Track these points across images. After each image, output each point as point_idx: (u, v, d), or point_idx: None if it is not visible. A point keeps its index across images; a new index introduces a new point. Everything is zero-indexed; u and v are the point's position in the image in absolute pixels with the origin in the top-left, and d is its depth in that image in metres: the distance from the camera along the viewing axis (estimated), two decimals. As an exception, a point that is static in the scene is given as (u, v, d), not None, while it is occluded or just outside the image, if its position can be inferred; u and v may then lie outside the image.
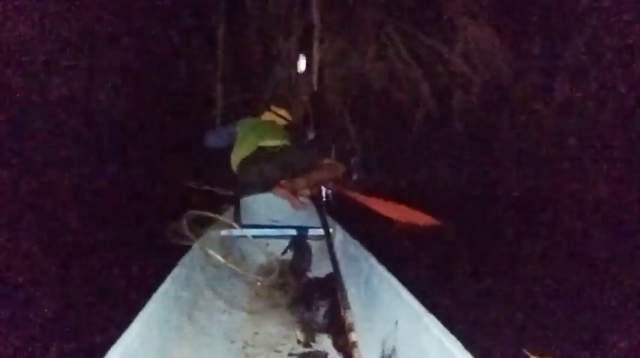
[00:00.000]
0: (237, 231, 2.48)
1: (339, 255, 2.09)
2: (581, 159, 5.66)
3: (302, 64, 5.72)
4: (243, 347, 1.69)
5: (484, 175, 5.81)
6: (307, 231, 2.58)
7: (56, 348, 1.91)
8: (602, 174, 5.39)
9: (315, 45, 5.67)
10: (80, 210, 3.75)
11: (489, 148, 6.03)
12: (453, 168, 6.02)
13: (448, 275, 2.97)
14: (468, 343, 1.07)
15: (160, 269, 1.67)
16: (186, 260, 1.88)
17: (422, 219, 2.57)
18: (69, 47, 4.14)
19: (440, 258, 3.27)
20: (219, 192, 3.28)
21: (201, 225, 2.32)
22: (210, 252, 2.12)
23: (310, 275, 2.42)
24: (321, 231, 2.42)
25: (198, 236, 2.18)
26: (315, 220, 2.61)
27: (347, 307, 1.48)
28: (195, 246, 2.09)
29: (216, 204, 2.99)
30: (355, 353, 1.32)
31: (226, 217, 2.59)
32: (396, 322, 1.41)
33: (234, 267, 2.17)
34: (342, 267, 1.92)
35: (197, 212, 2.27)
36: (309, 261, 2.51)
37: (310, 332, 1.77)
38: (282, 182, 2.91)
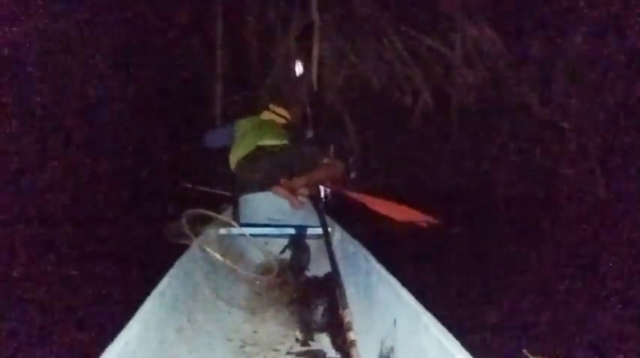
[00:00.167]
0: (236, 230, 2.48)
1: (337, 254, 2.09)
2: (580, 159, 5.66)
3: (301, 64, 5.72)
4: (242, 346, 1.69)
5: (483, 175, 5.81)
6: (306, 230, 2.58)
7: (55, 347, 1.91)
8: (602, 174, 5.39)
9: (316, 43, 5.67)
10: (78, 208, 3.75)
11: (488, 148, 6.04)
12: (451, 168, 6.02)
13: (447, 274, 2.97)
14: (466, 343, 1.07)
15: (159, 267, 1.67)
16: (184, 258, 1.88)
17: (420, 218, 2.57)
18: (65, 46, 4.13)
19: (439, 257, 3.27)
20: (215, 192, 3.28)
21: (200, 223, 2.32)
22: (209, 250, 2.12)
23: (309, 274, 2.42)
24: (319, 230, 2.42)
25: (197, 235, 2.18)
26: (314, 219, 2.61)
27: (345, 306, 1.48)
28: (194, 244, 2.09)
29: (215, 203, 2.99)
30: (353, 352, 1.32)
31: (225, 216, 2.59)
32: (395, 321, 1.41)
33: (232, 266, 2.17)
34: (340, 266, 1.92)
35: (196, 211, 2.27)
36: (308, 260, 2.51)
37: (309, 331, 1.77)
38: (281, 181, 2.91)
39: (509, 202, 5.03)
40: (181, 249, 1.97)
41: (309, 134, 4.28)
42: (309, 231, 2.57)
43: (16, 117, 3.78)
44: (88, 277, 2.64)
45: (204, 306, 1.85)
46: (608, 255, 3.37)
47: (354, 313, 1.55)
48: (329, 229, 2.39)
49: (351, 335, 1.38)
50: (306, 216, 2.83)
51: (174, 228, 2.20)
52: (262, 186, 2.95)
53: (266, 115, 3.38)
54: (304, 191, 2.96)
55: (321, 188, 3.16)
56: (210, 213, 2.37)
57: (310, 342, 1.72)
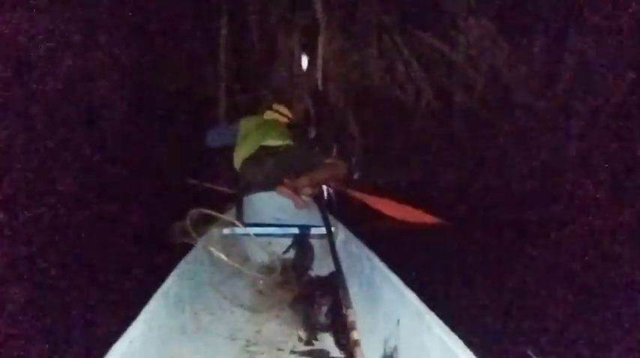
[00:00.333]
0: (239, 230, 2.48)
1: (341, 254, 2.09)
2: (581, 159, 5.64)
3: (304, 62, 5.73)
4: (246, 346, 1.69)
5: (485, 175, 5.80)
6: (310, 230, 2.58)
7: (57, 347, 1.92)
8: (603, 174, 5.37)
9: (321, 42, 5.67)
10: (81, 208, 3.76)
11: (491, 147, 6.02)
12: (454, 168, 6.01)
13: (450, 274, 2.96)
14: (469, 342, 1.07)
15: (163, 267, 1.67)
16: (188, 258, 1.88)
17: (423, 217, 2.57)
18: (67, 44, 4.13)
19: (442, 256, 3.27)
20: (220, 189, 3.29)
21: (204, 223, 2.33)
22: (213, 250, 2.12)
23: (312, 273, 2.42)
24: (323, 230, 2.42)
25: (200, 234, 2.19)
26: (318, 219, 2.61)
27: (349, 306, 1.48)
28: (198, 244, 2.10)
29: (219, 202, 3.00)
30: (357, 351, 1.32)
31: (229, 216, 2.60)
32: (398, 321, 1.41)
33: (236, 266, 2.17)
34: (344, 265, 1.92)
35: (200, 210, 2.27)
36: (312, 260, 2.52)
37: (312, 330, 1.77)
38: (285, 181, 2.92)
39: (512, 202, 5.02)
40: (185, 249, 1.98)
41: (312, 133, 4.28)
42: (313, 230, 2.57)
43: (16, 115, 3.79)
44: (92, 277, 2.65)
45: (208, 306, 1.86)
46: (608, 254, 3.36)
47: (358, 312, 1.55)
48: (332, 229, 2.40)
49: (355, 335, 1.39)
50: (310, 216, 2.83)
51: (178, 227, 2.21)
52: (266, 186, 2.96)
53: (269, 114, 3.38)
54: (308, 191, 2.97)
55: (324, 188, 3.17)
56: (214, 213, 2.37)
57: (314, 342, 1.72)
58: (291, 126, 3.33)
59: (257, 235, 2.52)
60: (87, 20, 4.34)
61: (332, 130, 5.69)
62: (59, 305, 2.25)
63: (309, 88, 5.72)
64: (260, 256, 2.58)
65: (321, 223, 2.50)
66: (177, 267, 1.72)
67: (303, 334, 1.76)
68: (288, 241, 2.64)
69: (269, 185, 2.94)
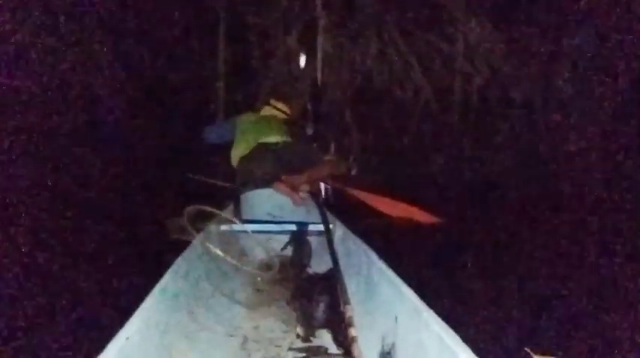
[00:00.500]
0: (237, 227, 2.48)
1: (339, 251, 2.09)
2: (580, 158, 5.66)
3: (302, 59, 5.72)
4: (243, 342, 1.69)
5: (484, 172, 5.81)
6: (307, 227, 2.58)
7: (55, 343, 1.92)
8: (602, 173, 5.39)
9: (320, 39, 5.65)
10: (79, 205, 3.75)
11: (489, 145, 6.03)
12: (452, 165, 6.01)
13: (448, 271, 2.97)
14: (467, 339, 1.07)
15: (160, 263, 1.67)
16: (186, 255, 1.88)
17: (420, 215, 2.57)
18: (68, 42, 4.12)
19: (440, 254, 3.27)
20: (219, 184, 3.28)
21: (202, 220, 2.32)
22: (211, 246, 2.12)
23: (310, 270, 2.42)
24: (321, 227, 2.42)
25: (198, 231, 2.18)
26: (316, 216, 2.61)
27: (347, 302, 1.48)
28: (196, 240, 2.09)
29: (217, 199, 2.99)
30: (355, 348, 1.32)
31: (227, 212, 2.59)
32: (396, 317, 1.41)
33: (234, 262, 2.17)
34: (342, 262, 1.92)
35: (197, 207, 2.27)
36: (309, 257, 2.51)
37: (310, 327, 1.77)
38: (283, 178, 2.91)
39: (510, 200, 5.03)
40: (183, 246, 1.97)
41: (310, 130, 4.28)
42: (311, 227, 2.57)
43: (16, 112, 3.78)
44: (90, 273, 2.65)
45: (206, 302, 1.85)
46: (608, 254, 3.37)
47: (356, 309, 1.55)
48: (330, 226, 2.39)
49: (353, 332, 1.39)
50: (308, 213, 2.83)
51: (176, 224, 2.20)
52: (264, 183, 2.95)
53: (267, 111, 3.37)
54: (305, 188, 2.96)
55: (322, 185, 3.16)
56: (212, 210, 2.37)
57: (311, 338, 1.72)
58: (289, 122, 3.32)
59: (255, 232, 2.52)
60: (87, 18, 4.32)
61: (330, 127, 5.69)
62: (54, 301, 2.25)
63: (307, 85, 5.71)
64: (258, 253, 2.58)
65: (319, 220, 2.49)
66: (175, 263, 1.72)
67: (300, 330, 1.76)
68: (286, 238, 2.64)
69: (267, 182, 2.93)
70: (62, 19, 4.06)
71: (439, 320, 1.17)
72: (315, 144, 3.36)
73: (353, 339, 1.35)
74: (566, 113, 5.83)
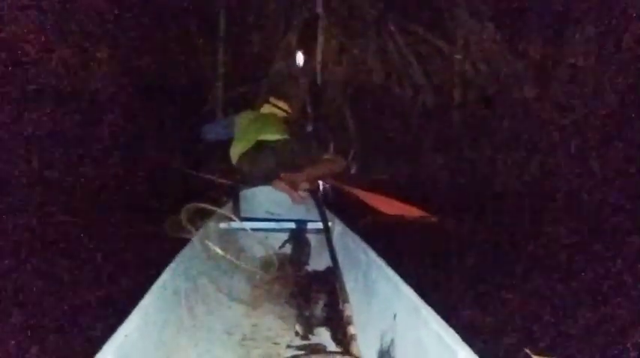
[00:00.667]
0: (236, 224, 2.48)
1: (337, 249, 2.09)
2: (580, 158, 5.66)
3: (302, 57, 5.71)
4: (242, 340, 1.69)
5: (483, 172, 5.81)
6: (306, 225, 2.58)
7: (54, 339, 1.92)
8: (602, 173, 5.39)
9: (320, 37, 5.64)
10: (78, 202, 3.74)
11: (488, 145, 6.03)
12: (451, 164, 6.02)
13: (447, 268, 2.97)
14: (466, 336, 1.07)
15: (159, 261, 1.67)
16: (185, 252, 1.88)
17: (415, 213, 2.58)
18: (66, 39, 4.12)
19: (439, 252, 3.28)
20: (218, 180, 3.28)
21: (201, 217, 2.32)
22: (210, 244, 2.12)
23: (309, 268, 2.43)
24: (320, 225, 2.43)
25: (197, 228, 2.18)
26: (315, 214, 2.61)
27: (345, 300, 1.49)
28: (195, 238, 2.09)
29: (216, 197, 2.99)
30: (353, 345, 1.32)
31: (226, 210, 2.59)
32: (395, 315, 1.41)
33: (233, 260, 2.17)
34: (340, 260, 1.92)
35: (196, 204, 2.27)
36: (308, 255, 2.52)
37: (309, 324, 1.77)
38: (282, 175, 2.91)
39: (509, 199, 5.04)
40: (181, 243, 1.97)
41: (309, 128, 4.28)
42: (310, 225, 2.57)
43: (16, 110, 3.77)
44: (88, 271, 2.65)
45: (205, 300, 1.85)
46: (607, 253, 3.37)
47: (354, 307, 1.55)
48: (329, 223, 2.40)
49: (351, 329, 1.39)
50: (307, 211, 2.83)
51: (175, 221, 2.20)
52: (263, 181, 2.95)
53: (266, 109, 3.38)
54: (305, 185, 2.97)
55: (321, 183, 3.17)
56: (211, 207, 2.37)
57: (310, 336, 1.72)
58: (288, 120, 3.32)
59: (254, 229, 2.52)
60: (85, 14, 4.31)
61: (329, 125, 5.68)
62: (52, 300, 2.25)
63: (307, 83, 5.70)
64: (257, 250, 2.58)
65: (318, 218, 2.50)
66: (174, 261, 1.71)
67: (299, 328, 1.76)
68: (285, 236, 2.64)
69: (266, 179, 2.94)
70: (61, 17, 4.06)
71: (438, 317, 1.17)
72: (314, 143, 3.36)
73: (352, 337, 1.35)
74: (566, 113, 5.84)
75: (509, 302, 2.52)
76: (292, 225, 2.60)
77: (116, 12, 4.63)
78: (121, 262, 2.75)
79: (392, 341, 1.39)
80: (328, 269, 2.05)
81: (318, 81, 5.67)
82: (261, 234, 2.61)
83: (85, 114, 4.33)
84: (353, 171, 5.25)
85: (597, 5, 5.47)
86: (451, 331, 1.10)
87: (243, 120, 3.26)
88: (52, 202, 3.59)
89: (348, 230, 2.32)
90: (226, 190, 3.13)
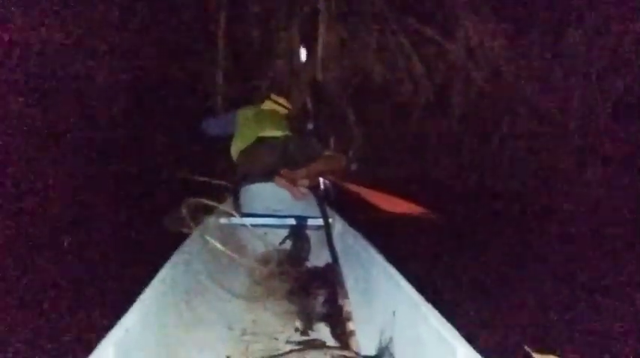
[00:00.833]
0: (236, 220, 2.48)
1: (337, 245, 2.09)
2: (580, 157, 5.66)
3: (303, 53, 5.70)
4: (242, 335, 1.70)
5: (483, 169, 5.81)
6: (306, 221, 2.58)
7: (54, 335, 1.92)
8: (602, 173, 5.39)
9: (321, 33, 5.63)
10: (79, 199, 3.75)
11: (488, 142, 6.03)
12: (451, 162, 6.02)
13: (446, 266, 2.98)
14: (465, 333, 1.07)
15: (159, 256, 1.67)
16: (185, 247, 1.88)
17: (415, 210, 2.58)
18: (66, 38, 4.11)
19: (439, 249, 3.28)
20: (215, 182, 3.28)
21: (201, 213, 2.32)
22: (210, 239, 2.12)
23: (309, 264, 2.43)
24: (320, 221, 2.43)
25: (197, 224, 2.19)
26: (315, 210, 2.61)
27: (345, 296, 1.49)
28: (195, 233, 2.09)
29: (216, 192, 2.99)
30: (353, 341, 1.32)
31: (226, 206, 2.59)
32: (394, 312, 1.42)
33: (233, 255, 2.17)
34: (340, 256, 1.92)
35: (197, 200, 2.27)
36: (308, 251, 2.52)
37: (308, 320, 1.77)
38: (282, 172, 2.91)
39: (509, 197, 5.04)
40: (182, 238, 1.97)
41: (310, 125, 4.28)
42: (310, 221, 2.57)
43: (13, 106, 3.76)
44: (89, 265, 2.65)
45: (205, 295, 1.86)
46: (606, 252, 3.38)
47: (354, 303, 1.56)
48: (329, 220, 2.40)
49: (351, 325, 1.39)
50: (307, 207, 2.83)
51: (175, 217, 2.20)
52: (263, 177, 2.95)
53: (267, 105, 3.37)
54: (305, 182, 2.97)
55: (321, 179, 3.17)
56: (211, 203, 2.37)
57: (310, 332, 1.72)
58: (289, 117, 3.32)
59: (254, 225, 2.53)
60: (86, 13, 4.30)
61: (330, 122, 5.68)
62: (53, 294, 2.26)
63: (307, 79, 5.70)
64: (257, 246, 2.58)
65: (318, 214, 2.50)
66: (174, 256, 1.72)
67: (299, 324, 1.76)
68: (285, 232, 2.64)
69: (266, 176, 2.94)
70: (62, 14, 4.04)
71: (437, 314, 1.18)
72: (314, 139, 3.35)
73: (351, 333, 1.36)
74: (566, 112, 5.83)
75: (509, 301, 2.52)
76: (292, 221, 2.60)
77: (116, 9, 4.62)
78: (121, 257, 2.76)
79: (391, 337, 1.39)
80: (328, 265, 2.05)
81: (319, 77, 5.66)
82: (261, 230, 2.61)
83: (83, 110, 4.32)
84: (353, 167, 5.24)
85: (597, 5, 5.46)
86: (450, 328, 1.10)
87: (243, 116, 3.26)
88: (51, 199, 3.59)
89: (348, 227, 2.32)
90: (227, 186, 3.13)
